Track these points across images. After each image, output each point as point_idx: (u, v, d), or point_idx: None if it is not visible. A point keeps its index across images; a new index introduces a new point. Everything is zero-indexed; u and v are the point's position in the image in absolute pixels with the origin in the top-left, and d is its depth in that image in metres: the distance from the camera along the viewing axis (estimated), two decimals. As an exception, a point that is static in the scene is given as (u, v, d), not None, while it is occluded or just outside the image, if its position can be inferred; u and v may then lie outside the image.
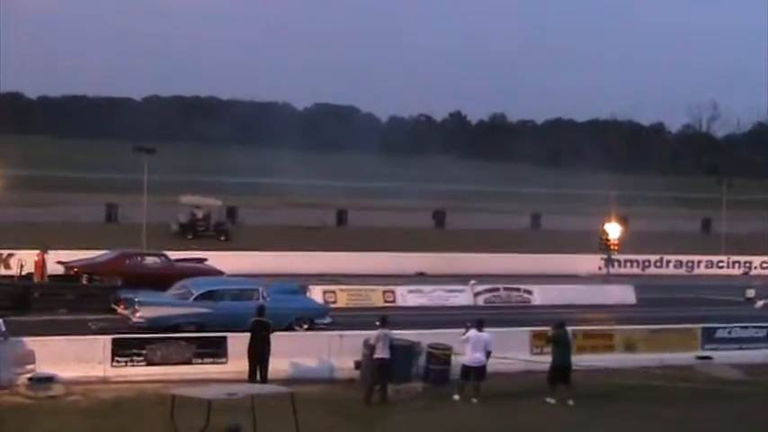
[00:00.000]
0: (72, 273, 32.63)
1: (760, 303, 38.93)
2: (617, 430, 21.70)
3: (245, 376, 22.51)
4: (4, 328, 22.58)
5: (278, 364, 23.09)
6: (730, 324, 29.56)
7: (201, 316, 27.21)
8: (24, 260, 32.59)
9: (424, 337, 24.81)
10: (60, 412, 20.32)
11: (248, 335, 23.04)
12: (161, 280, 30.29)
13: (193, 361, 23.63)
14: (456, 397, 22.83)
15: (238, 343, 23.37)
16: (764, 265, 50.54)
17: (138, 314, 26.98)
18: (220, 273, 33.27)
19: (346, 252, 44.60)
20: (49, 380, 21.89)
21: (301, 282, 34.02)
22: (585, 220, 54.81)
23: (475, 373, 22.90)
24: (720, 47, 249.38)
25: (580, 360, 24.51)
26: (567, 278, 42.86)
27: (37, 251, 32.09)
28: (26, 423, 19.54)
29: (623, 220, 48.80)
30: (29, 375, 21.93)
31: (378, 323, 23.12)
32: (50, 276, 31.96)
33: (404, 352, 23.60)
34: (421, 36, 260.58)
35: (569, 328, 24.33)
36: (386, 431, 20.65)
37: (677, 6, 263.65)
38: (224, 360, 23.81)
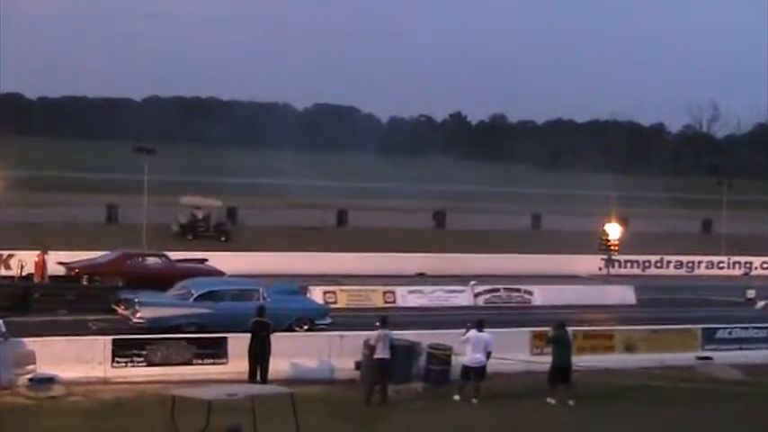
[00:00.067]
0: (73, 273, 32.61)
1: (760, 304, 38.92)
2: (617, 430, 21.72)
3: (246, 377, 22.53)
4: (4, 329, 22.59)
5: (278, 365, 23.10)
6: (731, 325, 29.58)
7: (202, 316, 27.21)
8: (25, 261, 32.55)
9: (425, 337, 24.83)
10: (61, 413, 20.33)
11: (248, 335, 23.06)
12: (162, 280, 30.29)
13: (194, 361, 23.64)
14: (456, 397, 22.84)
15: (239, 343, 23.38)
16: (765, 265, 50.48)
17: (138, 315, 26.99)
18: (221, 273, 33.27)
19: (346, 252, 44.54)
20: (49, 380, 21.90)
21: (301, 282, 34.01)
22: (586, 221, 54.78)
23: (475, 374, 22.91)
24: (721, 47, 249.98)
25: (580, 360, 24.53)
26: (568, 279, 42.83)
27: (37, 252, 32.08)
28: (26, 423, 19.55)
29: (623, 221, 48.79)
30: (29, 376, 21.94)
31: (378, 324, 23.12)
32: (51, 277, 31.94)
33: (404, 352, 23.62)
34: (421, 36, 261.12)
35: (569, 329, 24.35)
36: (386, 431, 20.65)
37: (677, 6, 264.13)
38: (224, 361, 23.81)
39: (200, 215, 55.60)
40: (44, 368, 22.07)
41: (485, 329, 23.27)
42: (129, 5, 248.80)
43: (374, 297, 35.57)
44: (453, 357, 23.91)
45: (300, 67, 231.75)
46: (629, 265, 47.87)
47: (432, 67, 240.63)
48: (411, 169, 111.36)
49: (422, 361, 24.23)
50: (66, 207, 61.63)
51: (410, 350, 24.05)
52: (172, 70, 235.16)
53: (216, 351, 23.91)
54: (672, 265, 49.70)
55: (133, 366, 23.15)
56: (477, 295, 37.09)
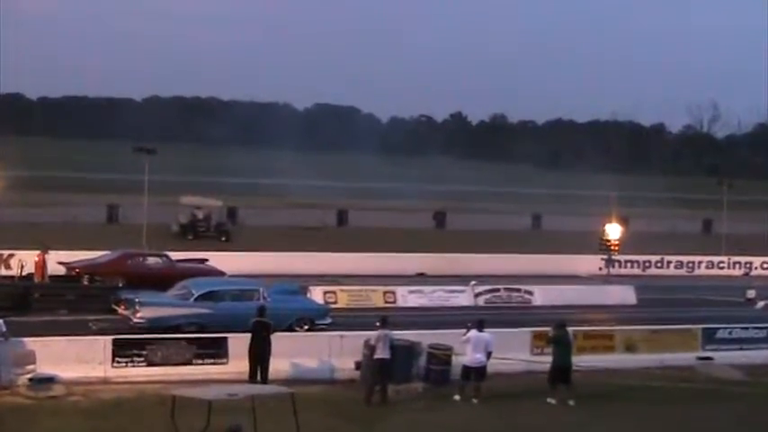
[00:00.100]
0: (74, 273, 32.61)
1: (761, 304, 38.91)
2: (617, 430, 21.72)
3: (246, 377, 22.51)
4: (4, 329, 22.59)
5: (278, 365, 23.09)
6: (731, 325, 29.58)
7: (202, 316, 27.20)
8: (25, 261, 32.56)
9: (425, 337, 24.82)
10: (61, 413, 20.32)
11: (249, 335, 23.04)
12: (163, 280, 30.27)
13: (194, 361, 23.62)
14: (456, 397, 22.83)
15: (239, 343, 23.37)
16: (765, 265, 50.51)
17: (138, 315, 26.98)
18: (222, 273, 33.26)
19: (347, 253, 44.54)
20: (49, 380, 21.90)
21: (302, 282, 34.02)
22: (586, 221, 54.79)
23: (475, 374, 22.91)
24: (721, 47, 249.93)
25: (580, 360, 24.52)
26: (568, 279, 42.84)
27: (37, 252, 32.08)
28: (27, 423, 19.55)
29: (624, 221, 48.79)
30: (29, 376, 21.93)
31: (378, 324, 23.12)
32: (51, 277, 31.93)
33: (404, 352, 23.62)
34: (421, 36, 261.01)
35: (570, 329, 24.34)
36: (386, 431, 20.65)
37: (677, 6, 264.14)
38: (224, 361, 23.80)
39: (200, 215, 55.61)
40: (44, 368, 22.07)
41: (485, 329, 23.27)
42: (129, 5, 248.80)
43: (374, 297, 35.56)
44: (454, 357, 23.91)
45: (301, 67, 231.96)
46: (629, 265, 47.88)
47: (432, 67, 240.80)
48: (411, 169, 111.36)
49: (422, 361, 24.22)
50: (66, 207, 61.64)
51: (410, 350, 24.05)
52: (172, 70, 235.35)
53: (216, 351, 23.90)
54: (672, 265, 49.70)
55: (133, 366, 23.14)
56: (477, 295, 37.08)
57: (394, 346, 22.85)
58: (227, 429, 15.62)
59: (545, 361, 24.04)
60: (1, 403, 20.82)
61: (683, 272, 49.38)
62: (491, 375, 23.29)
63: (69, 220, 56.62)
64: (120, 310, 27.91)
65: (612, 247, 43.48)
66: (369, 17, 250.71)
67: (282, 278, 34.06)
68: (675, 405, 23.22)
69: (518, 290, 38.03)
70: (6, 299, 29.30)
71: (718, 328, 29.08)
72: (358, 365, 23.80)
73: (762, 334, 29.49)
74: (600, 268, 44.35)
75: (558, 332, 23.67)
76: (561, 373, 23.04)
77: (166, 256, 34.37)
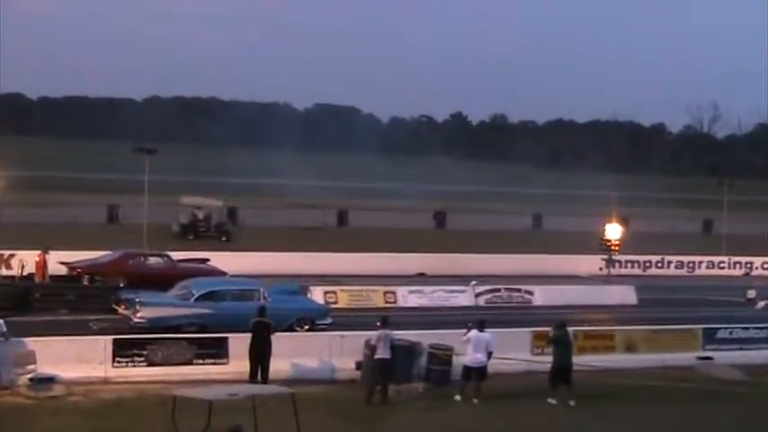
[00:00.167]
0: (75, 273, 32.62)
1: (761, 304, 38.89)
2: (618, 431, 21.71)
3: (247, 377, 22.50)
4: (5, 329, 22.59)
5: (279, 365, 23.08)
6: (731, 325, 29.58)
7: (203, 317, 27.20)
8: (25, 261, 32.59)
9: (425, 337, 24.82)
10: (61, 413, 20.32)
11: (249, 335, 23.03)
12: (164, 280, 30.27)
13: (194, 361, 23.62)
14: (457, 397, 22.83)
15: (239, 344, 23.36)
16: (765, 265, 50.52)
17: (138, 315, 26.97)
18: (223, 273, 33.24)
19: (347, 253, 44.54)
20: (49, 380, 21.89)
21: (302, 282, 34.01)
22: (586, 221, 54.77)
23: (476, 374, 22.91)
24: (721, 47, 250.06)
25: (581, 360, 24.51)
26: (568, 279, 42.83)
27: (38, 252, 32.09)
28: (27, 423, 19.55)
29: (624, 221, 48.74)
30: (30, 376, 21.93)
31: (379, 324, 23.11)
32: (51, 277, 31.94)
33: (405, 352, 23.61)
34: (421, 36, 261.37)
35: (570, 329, 24.34)
36: (387, 431, 20.65)
37: (677, 6, 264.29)
38: (225, 361, 23.80)
39: (200, 215, 55.62)
40: (45, 368, 22.06)
41: (486, 329, 23.27)
42: (129, 5, 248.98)
43: (375, 297, 35.56)
44: (454, 357, 23.91)
45: (301, 67, 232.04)
46: (629, 265, 47.87)
47: (432, 67, 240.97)
48: (411, 169, 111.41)
49: (423, 361, 24.22)
50: (66, 207, 61.65)
51: (411, 350, 24.04)
52: (172, 70, 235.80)
53: (217, 351, 23.90)
54: (672, 265, 49.70)
55: (134, 366, 23.14)
56: (477, 295, 37.08)
57: (394, 347, 22.85)
58: (228, 429, 15.62)
59: (545, 361, 24.04)
60: (1, 403, 20.82)
61: (683, 272, 49.38)
62: (492, 375, 23.28)
63: (69, 220, 56.60)
64: (121, 310, 27.90)
65: (613, 248, 43.45)
66: (369, 17, 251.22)
67: (283, 278, 34.06)
68: (676, 405, 23.22)
69: (518, 290, 38.03)
70: (7, 299, 29.30)
71: (719, 328, 29.08)
72: (358, 365, 23.80)
73: (762, 334, 29.49)
74: (600, 268, 44.33)
75: (558, 332, 23.66)
76: (562, 373, 23.04)
77: (168, 257, 34.35)
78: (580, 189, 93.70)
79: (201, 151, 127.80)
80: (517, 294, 37.83)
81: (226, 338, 24.05)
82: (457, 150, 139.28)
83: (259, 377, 22.46)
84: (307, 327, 28.48)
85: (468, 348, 23.06)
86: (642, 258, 48.88)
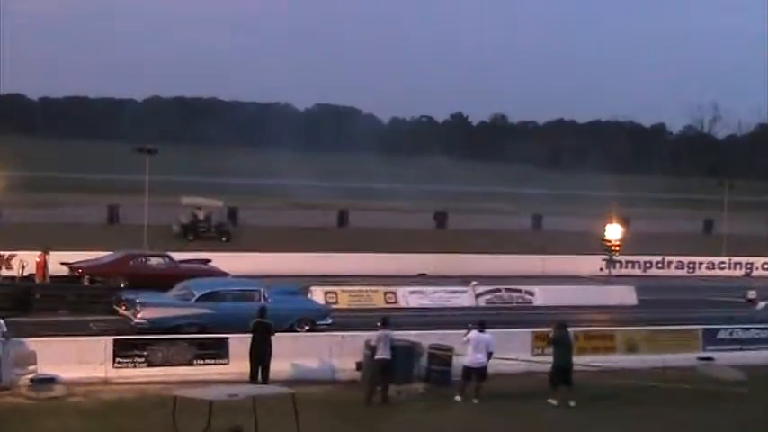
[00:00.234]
0: (77, 273, 32.61)
1: (761, 304, 38.84)
2: (618, 431, 21.70)
3: (247, 377, 22.51)
4: (5, 329, 22.60)
5: (279, 365, 23.07)
6: (732, 325, 29.57)
7: (203, 317, 27.19)
8: (26, 261, 32.58)
9: (426, 337, 24.84)
10: (61, 413, 20.33)
11: (250, 336, 23.03)
12: (165, 281, 30.26)
13: (195, 362, 23.62)
14: (457, 398, 22.84)
15: (240, 344, 23.37)
16: (766, 266, 50.50)
17: (139, 315, 26.98)
18: (225, 274, 33.21)
19: (347, 253, 44.52)
20: (50, 381, 21.90)
21: (303, 283, 33.99)
22: (587, 221, 54.74)
23: (476, 374, 22.92)
24: (721, 47, 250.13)
25: (581, 361, 24.52)
26: (569, 279, 42.83)
27: (38, 252, 32.09)
28: (27, 424, 19.56)
29: (624, 221, 48.68)
30: (30, 376, 21.94)
31: (379, 324, 23.13)
32: (52, 277, 31.93)
33: (405, 353, 23.62)
34: (421, 37, 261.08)
35: (570, 329, 24.35)
36: (387, 432, 20.69)
37: (677, 6, 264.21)
38: (225, 361, 23.79)
39: (201, 216, 55.56)
40: (45, 368, 22.07)
41: (486, 330, 23.27)
42: (129, 5, 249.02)
43: (375, 297, 35.54)
44: (454, 358, 23.92)
45: (301, 67, 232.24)
46: (630, 265, 47.82)
47: (432, 67, 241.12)
48: (412, 170, 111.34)
49: (423, 361, 24.23)
50: (67, 207, 61.66)
51: (411, 351, 24.05)
52: (173, 71, 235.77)
53: (217, 351, 23.90)
54: (673, 265, 49.66)
55: (134, 367, 23.14)
56: (478, 296, 37.07)
57: (395, 347, 22.86)
58: (228, 430, 15.65)
59: (546, 361, 24.05)
60: (2, 403, 20.83)
61: (683, 272, 49.33)
62: (492, 376, 23.29)
63: (70, 220, 56.59)
64: (121, 310, 27.91)
65: (613, 248, 43.42)
66: (369, 18, 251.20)
67: (283, 279, 34.04)
68: (676, 406, 23.23)
69: (519, 290, 38.02)
70: (7, 299, 29.30)
71: (719, 329, 29.08)
72: (359, 366, 23.81)
73: (762, 334, 29.50)
74: (601, 269, 44.31)
75: (558, 333, 23.67)
76: (562, 373, 23.05)
77: (169, 257, 34.34)
78: (580, 189, 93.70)
79: (202, 151, 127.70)
80: (517, 295, 37.82)
81: (226, 339, 24.04)
82: (457, 150, 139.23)
83: (259, 378, 22.47)
84: (307, 327, 28.48)
85: (468, 349, 23.07)
86: (642, 259, 48.85)
